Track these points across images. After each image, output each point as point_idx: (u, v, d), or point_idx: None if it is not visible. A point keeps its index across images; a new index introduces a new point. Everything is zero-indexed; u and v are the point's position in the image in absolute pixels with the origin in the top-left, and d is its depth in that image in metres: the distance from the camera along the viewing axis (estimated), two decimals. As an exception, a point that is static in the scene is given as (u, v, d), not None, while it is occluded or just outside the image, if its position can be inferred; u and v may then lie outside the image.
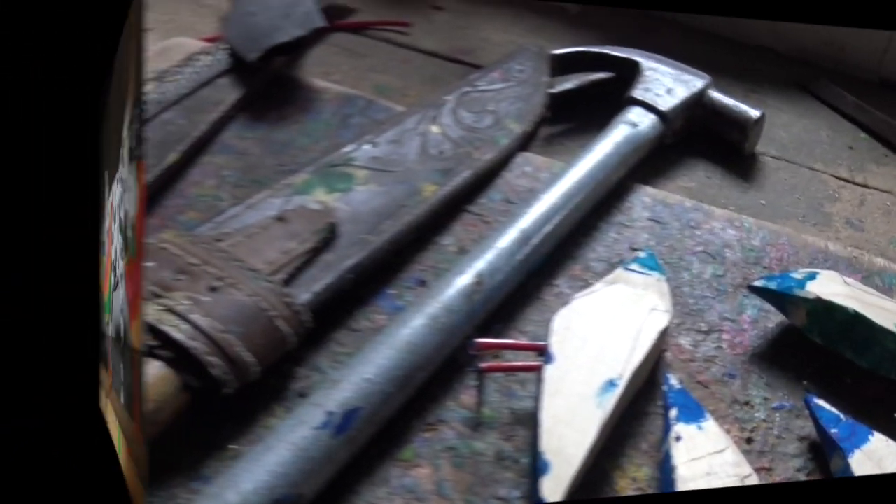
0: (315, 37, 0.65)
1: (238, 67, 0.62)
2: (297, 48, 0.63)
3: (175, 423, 0.36)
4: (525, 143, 0.64)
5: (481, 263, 0.46)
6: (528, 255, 0.50)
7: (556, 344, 0.46)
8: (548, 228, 0.53)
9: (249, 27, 0.63)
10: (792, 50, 0.91)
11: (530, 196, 0.57)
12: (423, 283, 0.48)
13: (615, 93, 0.70)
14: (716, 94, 0.71)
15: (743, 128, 0.70)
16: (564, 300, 0.52)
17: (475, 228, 0.55)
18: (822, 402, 0.50)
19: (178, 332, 0.35)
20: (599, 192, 0.60)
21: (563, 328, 0.46)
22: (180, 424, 0.37)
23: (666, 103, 0.67)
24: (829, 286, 0.56)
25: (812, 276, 0.57)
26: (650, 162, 0.68)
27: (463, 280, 0.44)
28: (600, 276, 0.56)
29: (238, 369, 0.36)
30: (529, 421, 0.46)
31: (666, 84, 0.69)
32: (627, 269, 0.54)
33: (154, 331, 0.36)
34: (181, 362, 0.35)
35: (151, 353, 0.36)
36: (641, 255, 0.56)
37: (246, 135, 0.58)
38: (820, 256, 0.64)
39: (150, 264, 0.39)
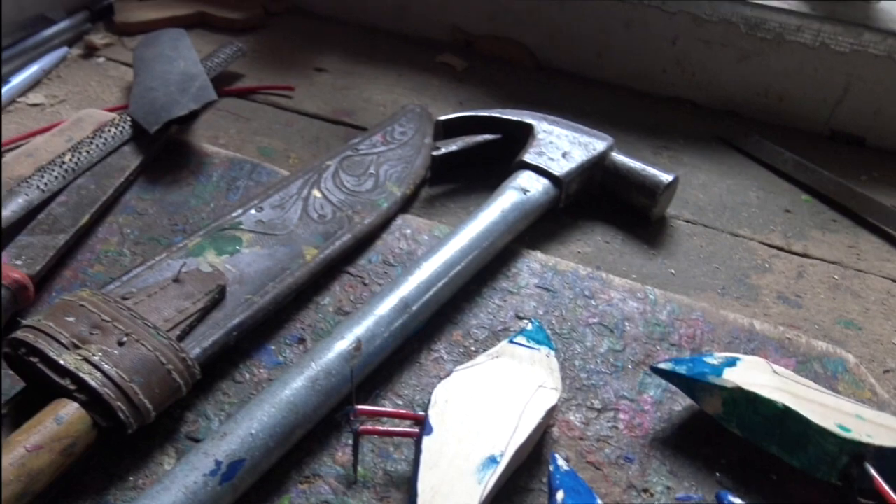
0: (207, 106, 0.75)
1: (139, 136, 0.71)
2: (191, 119, 0.73)
3: (85, 455, 0.46)
4: (406, 205, 0.70)
5: (360, 329, 0.52)
6: (407, 322, 0.55)
7: (435, 416, 0.46)
8: (428, 296, 0.56)
9: (150, 101, 0.73)
10: (714, 101, 0.89)
11: (409, 258, 0.63)
12: (301, 341, 0.56)
13: (503, 154, 0.73)
14: (619, 157, 0.71)
15: (651, 193, 0.68)
16: (443, 366, 0.55)
17: (353, 290, 0.61)
18: (738, 501, 0.45)
19: (92, 379, 0.45)
20: (484, 259, 0.61)
21: (443, 400, 0.47)
22: (89, 457, 0.47)
23: (560, 168, 0.67)
24: (754, 374, 0.49)
25: (731, 362, 0.51)
26: (542, 225, 0.68)
27: (342, 345, 0.51)
28: (482, 343, 0.57)
29: (138, 413, 0.46)
30: (404, 484, 0.48)
31: (561, 147, 0.70)
32: (513, 342, 0.53)
33: (73, 377, 0.45)
34: (93, 405, 0.45)
35: (70, 395, 0.45)
36: (528, 327, 0.55)
37: (144, 196, 0.68)
38: (743, 336, 0.59)
39: (70, 318, 0.49)
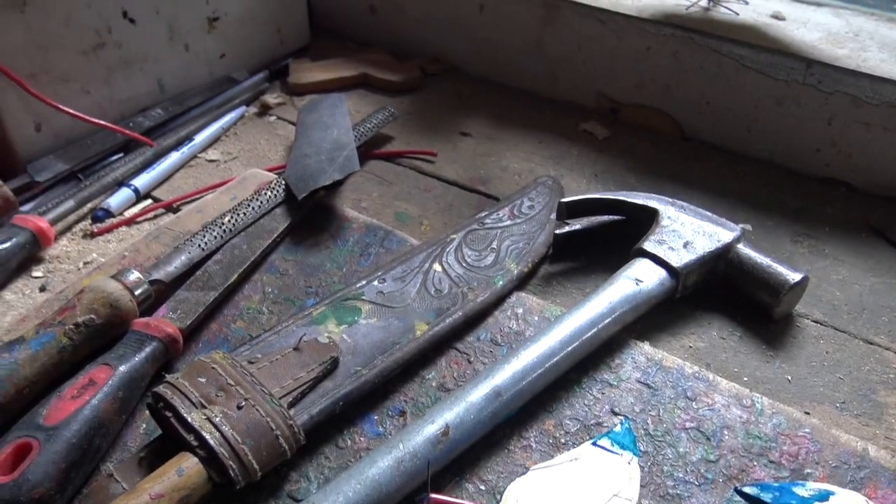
0: (350, 176, 0.81)
1: (291, 199, 0.79)
2: (336, 186, 0.80)
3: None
4: (522, 282, 0.72)
5: (450, 415, 0.55)
6: (498, 410, 0.57)
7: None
8: (522, 386, 0.57)
9: (302, 167, 0.81)
10: (873, 185, 0.83)
11: (517, 339, 0.65)
12: (402, 414, 0.60)
13: (628, 234, 0.73)
14: (745, 250, 0.68)
15: (775, 292, 0.66)
16: (530, 455, 0.56)
17: (458, 366, 0.64)
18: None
19: (212, 438, 0.52)
20: (586, 350, 0.61)
21: (513, 499, 0.48)
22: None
23: (680, 259, 0.67)
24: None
25: (823, 496, 0.48)
26: (655, 312, 0.66)
27: (431, 429, 0.54)
28: (572, 436, 0.58)
29: (246, 472, 0.52)
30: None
31: (685, 236, 0.69)
32: (596, 444, 0.53)
33: (197, 434, 0.53)
34: (210, 461, 0.52)
35: (193, 450, 0.53)
36: (616, 428, 0.54)
37: (287, 257, 0.75)
38: (853, 462, 0.54)
39: (202, 379, 0.56)
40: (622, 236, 0.75)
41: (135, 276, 0.67)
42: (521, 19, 0.99)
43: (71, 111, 0.82)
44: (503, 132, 0.96)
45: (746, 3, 0.94)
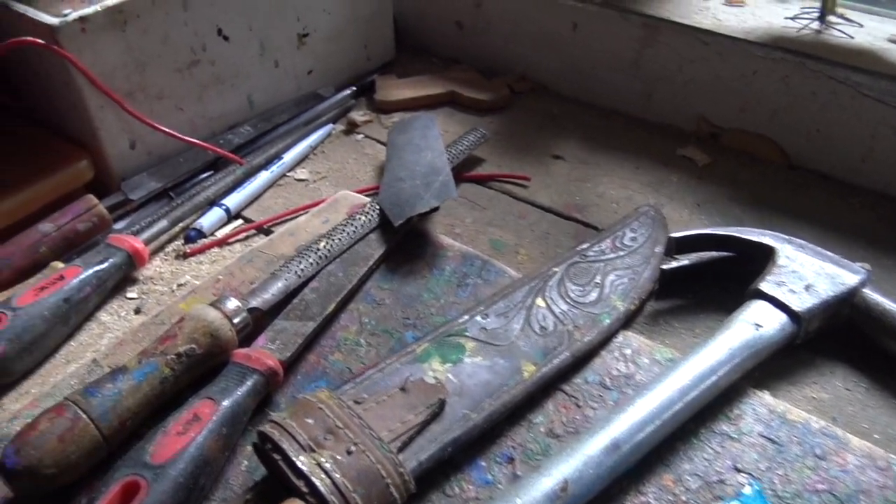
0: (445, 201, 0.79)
1: (385, 224, 0.77)
2: (432, 212, 0.78)
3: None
4: (628, 320, 0.69)
5: (568, 469, 0.52)
6: (617, 464, 0.54)
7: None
8: (641, 437, 0.55)
9: (397, 192, 0.79)
10: None
11: (627, 383, 0.62)
12: (511, 461, 0.58)
13: (737, 271, 0.70)
14: (872, 295, 0.64)
15: None
16: None
17: (566, 411, 0.61)
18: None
19: (323, 486, 0.50)
20: (705, 399, 0.58)
21: None
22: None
23: (801, 303, 0.63)
24: None
25: None
26: (773, 359, 0.63)
27: (548, 483, 0.52)
28: (694, 493, 0.55)
29: (358, 520, 0.50)
30: None
31: (805, 278, 0.65)
32: None
33: (307, 480, 0.51)
34: (319, 507, 0.50)
35: (302, 497, 0.51)
36: (746, 490, 0.52)
37: (383, 286, 0.73)
38: None
39: (309, 420, 0.55)
40: (731, 273, 0.72)
41: (234, 303, 0.66)
42: (618, 39, 0.96)
43: (166, 130, 0.82)
44: (597, 155, 0.93)
45: (861, 26, 0.89)
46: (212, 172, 0.89)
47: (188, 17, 0.82)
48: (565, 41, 1.00)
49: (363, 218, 0.78)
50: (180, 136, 0.83)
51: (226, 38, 0.88)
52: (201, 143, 0.86)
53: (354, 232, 0.76)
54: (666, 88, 0.95)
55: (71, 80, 0.76)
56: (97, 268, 0.72)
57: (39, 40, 0.73)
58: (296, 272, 0.71)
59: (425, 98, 1.02)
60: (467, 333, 0.65)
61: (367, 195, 0.86)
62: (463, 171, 0.89)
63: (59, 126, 0.84)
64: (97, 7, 0.74)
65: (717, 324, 0.66)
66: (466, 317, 0.67)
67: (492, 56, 1.09)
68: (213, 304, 0.66)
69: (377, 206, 0.79)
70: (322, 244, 0.74)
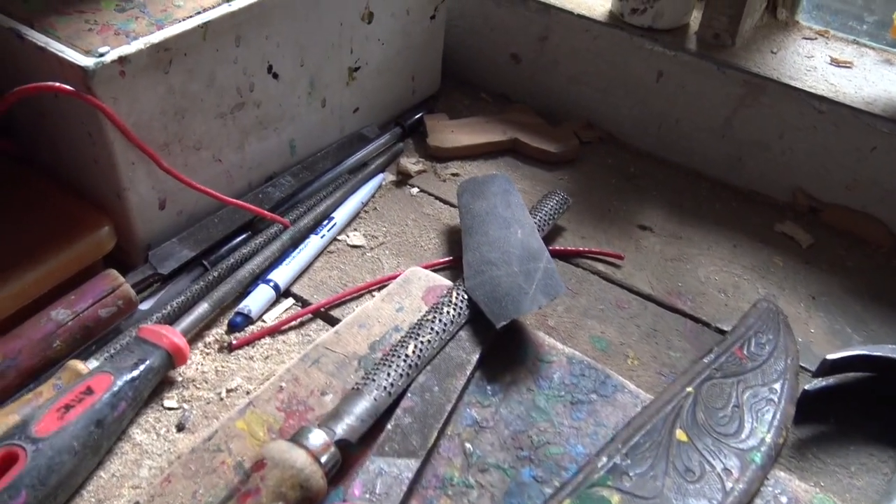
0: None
1: (477, 318, 0.65)
2: (535, 309, 0.66)
3: None
4: (776, 456, 0.60)
5: None
6: None
7: None
8: None
9: (491, 282, 0.67)
10: None
11: None
12: None
13: (876, 388, 0.65)
14: None
15: None
16: None
17: None
18: None
19: None
20: None
21: None
22: None
23: None
24: None
25: None
26: None
27: None
28: None
29: None
30: None
31: None
32: None
33: None
34: None
35: None
36: None
37: (483, 402, 0.62)
38: None
39: None
40: (872, 391, 0.65)
41: (320, 438, 0.53)
42: (711, 94, 0.85)
43: (206, 189, 0.67)
44: (688, 228, 0.82)
45: None
46: (249, 234, 0.75)
47: (239, 54, 0.68)
48: (647, 90, 0.89)
49: (451, 311, 0.65)
50: (221, 196, 0.69)
51: (275, 76, 0.73)
52: (245, 204, 0.71)
53: (444, 330, 0.64)
54: (760, 154, 0.85)
55: (99, 131, 0.60)
56: (132, 374, 0.58)
57: (67, 87, 0.57)
58: (385, 388, 0.59)
59: (484, 146, 0.90)
60: (609, 483, 0.54)
61: (438, 270, 0.74)
62: (546, 244, 0.77)
63: (75, 181, 0.68)
64: (140, 45, 0.59)
65: (869, 459, 0.60)
66: (605, 458, 0.56)
67: (552, 96, 0.97)
68: (296, 441, 0.52)
69: (465, 296, 0.67)
70: (410, 349, 0.62)
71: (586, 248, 0.78)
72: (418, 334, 0.63)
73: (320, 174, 0.82)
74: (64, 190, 0.68)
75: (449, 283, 0.71)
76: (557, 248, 0.78)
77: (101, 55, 0.57)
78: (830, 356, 0.62)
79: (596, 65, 0.92)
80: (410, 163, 0.87)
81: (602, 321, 0.71)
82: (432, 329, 0.64)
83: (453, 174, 0.87)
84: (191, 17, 0.64)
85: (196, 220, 0.72)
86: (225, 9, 0.65)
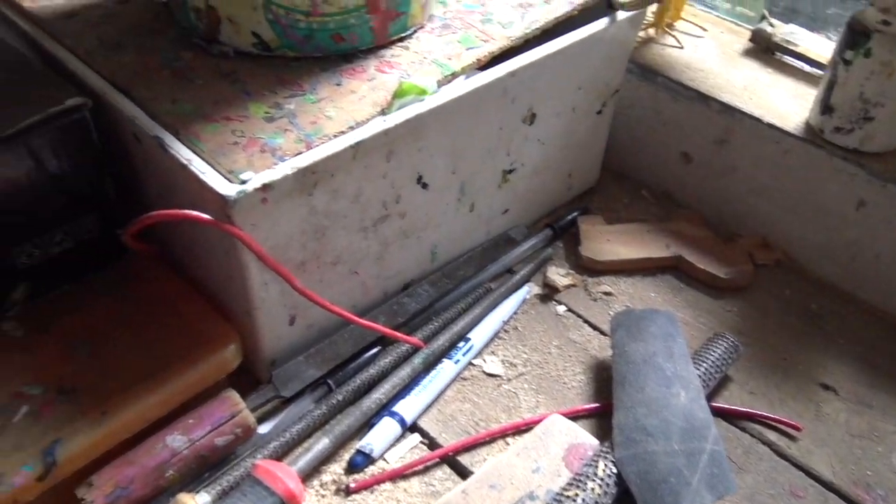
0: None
1: (623, 499, 0.56)
2: None
3: None
4: None
5: None
6: None
7: None
8: None
9: (647, 461, 0.58)
10: None
11: None
12: None
13: None
14: None
15: None
16: None
17: None
18: None
19: None
20: None
21: None
22: None
23: None
24: None
25: None
26: None
27: None
28: None
29: None
30: None
31: None
32: None
33: None
34: None
35: None
36: None
37: None
38: None
39: None
40: None
41: None
42: (924, 234, 0.72)
43: (340, 311, 0.62)
44: (882, 394, 0.70)
45: None
46: (379, 348, 0.69)
47: (389, 169, 0.62)
48: (843, 218, 0.77)
49: (596, 489, 0.57)
50: (356, 318, 0.63)
51: (424, 186, 0.67)
52: (379, 327, 0.65)
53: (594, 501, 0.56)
54: (980, 310, 0.72)
55: (235, 252, 0.56)
56: (240, 527, 0.53)
57: (204, 216, 0.53)
58: (514, 587, 0.51)
59: (644, 261, 0.80)
60: None
61: (581, 417, 0.66)
62: (708, 397, 0.67)
63: (209, 291, 0.65)
64: (287, 169, 0.54)
65: None
66: None
67: (726, 206, 0.86)
68: None
69: (613, 469, 0.58)
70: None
71: (758, 412, 0.67)
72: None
73: (460, 282, 0.75)
74: (198, 295, 0.64)
75: (595, 441, 0.62)
76: (722, 405, 0.67)
77: (244, 182, 0.53)
78: None
79: (782, 180, 0.80)
80: (559, 274, 0.79)
81: (772, 513, 0.61)
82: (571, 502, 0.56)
83: (605, 293, 0.78)
84: (343, 132, 0.58)
85: (326, 335, 0.67)
86: (379, 125, 0.59)
